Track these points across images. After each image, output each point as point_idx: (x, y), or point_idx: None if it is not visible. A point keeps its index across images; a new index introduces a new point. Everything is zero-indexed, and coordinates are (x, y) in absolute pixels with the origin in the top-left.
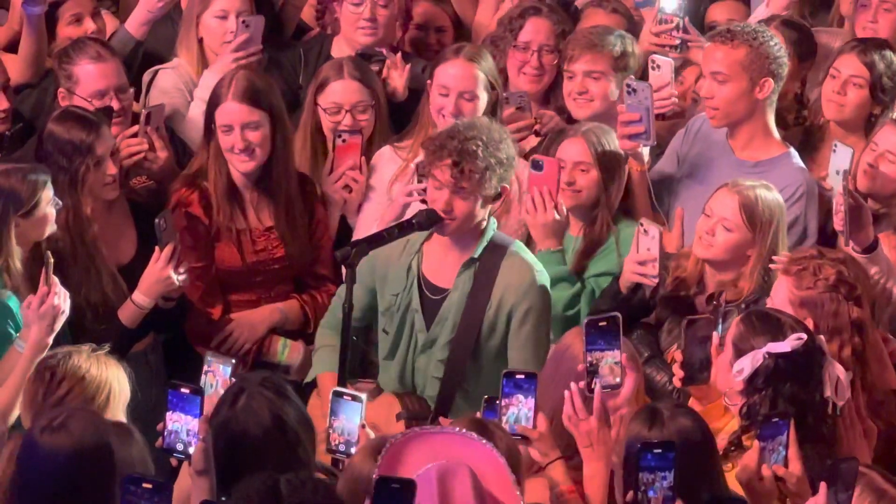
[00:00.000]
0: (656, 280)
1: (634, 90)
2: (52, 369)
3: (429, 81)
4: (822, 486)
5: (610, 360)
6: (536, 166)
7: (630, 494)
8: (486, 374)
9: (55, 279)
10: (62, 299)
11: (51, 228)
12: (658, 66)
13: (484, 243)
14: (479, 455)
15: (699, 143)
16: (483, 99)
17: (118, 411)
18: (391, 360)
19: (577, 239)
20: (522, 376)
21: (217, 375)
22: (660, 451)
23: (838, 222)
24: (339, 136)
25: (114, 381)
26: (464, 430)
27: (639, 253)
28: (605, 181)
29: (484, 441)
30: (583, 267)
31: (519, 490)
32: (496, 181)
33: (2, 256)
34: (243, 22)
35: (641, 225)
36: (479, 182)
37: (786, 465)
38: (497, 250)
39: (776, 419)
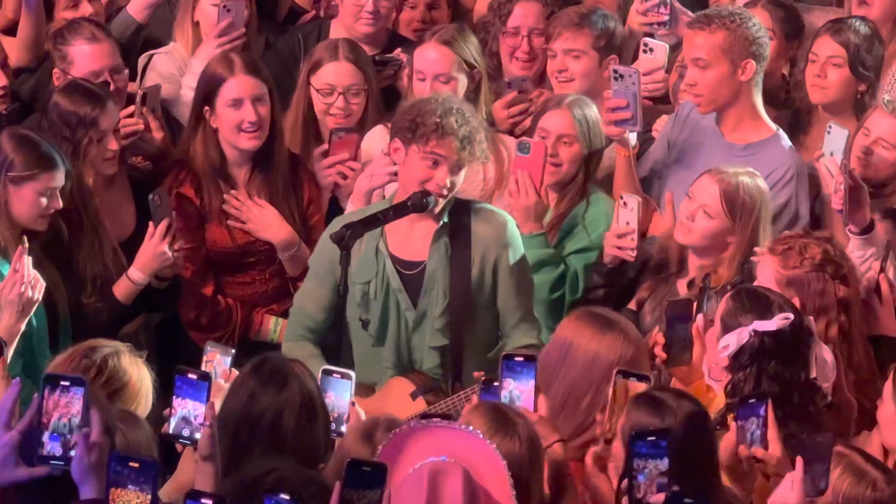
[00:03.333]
0: (634, 253)
1: (621, 76)
2: (100, 367)
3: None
4: (799, 460)
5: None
6: (523, 148)
7: (625, 482)
8: (481, 327)
9: (26, 264)
10: (34, 288)
11: (37, 223)
12: (651, 50)
13: (448, 207)
14: (480, 454)
15: (688, 128)
16: (461, 80)
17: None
18: (381, 347)
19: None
20: (521, 359)
21: (217, 365)
22: (653, 438)
23: (837, 202)
24: (336, 134)
25: (149, 390)
26: (470, 428)
27: (618, 225)
28: (586, 155)
29: (487, 441)
30: (556, 243)
31: (515, 494)
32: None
33: None
34: (224, 7)
35: (621, 198)
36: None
37: (765, 447)
38: (462, 210)
39: (752, 400)
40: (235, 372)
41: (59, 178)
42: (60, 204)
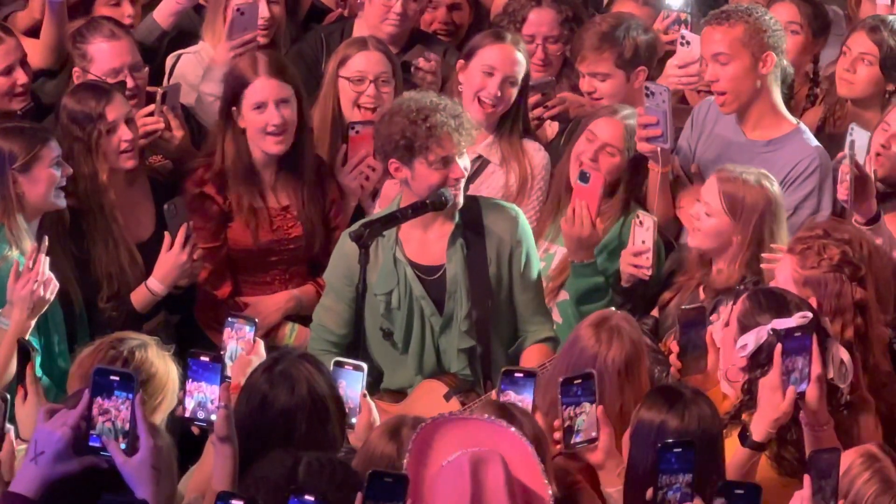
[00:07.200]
0: (650, 271)
1: (652, 93)
2: (126, 359)
3: (461, 61)
4: (807, 479)
5: (584, 414)
6: (583, 178)
7: (650, 492)
8: (504, 324)
9: (42, 263)
10: (46, 288)
11: (56, 196)
12: (688, 42)
13: (458, 207)
14: (508, 443)
15: (709, 126)
16: (518, 88)
17: (166, 412)
18: (407, 354)
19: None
20: (521, 375)
21: (240, 337)
22: (680, 450)
23: (842, 192)
24: (353, 128)
25: (175, 384)
26: (493, 418)
27: (634, 245)
28: (631, 173)
29: (513, 429)
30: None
31: (546, 478)
32: None
33: (3, 214)
34: (238, 9)
35: (637, 216)
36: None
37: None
38: (471, 207)
39: (798, 333)
40: (259, 342)
41: (56, 145)
42: (70, 169)
